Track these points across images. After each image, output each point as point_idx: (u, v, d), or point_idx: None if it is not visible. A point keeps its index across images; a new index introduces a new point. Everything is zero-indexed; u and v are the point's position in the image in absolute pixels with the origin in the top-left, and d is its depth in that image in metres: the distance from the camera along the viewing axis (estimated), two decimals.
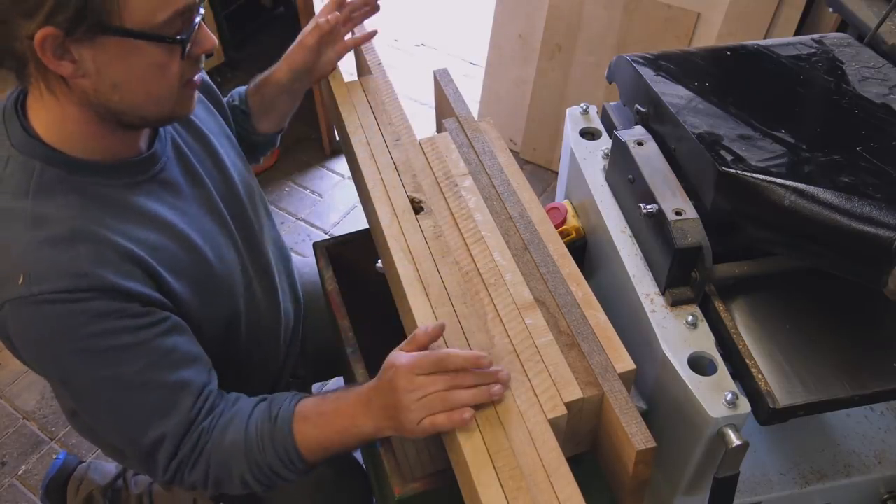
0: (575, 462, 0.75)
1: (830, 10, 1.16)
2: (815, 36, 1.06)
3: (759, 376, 0.80)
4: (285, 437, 0.83)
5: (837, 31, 1.47)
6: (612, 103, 1.12)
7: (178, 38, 0.75)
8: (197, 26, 0.77)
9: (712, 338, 0.84)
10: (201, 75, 0.90)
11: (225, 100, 1.12)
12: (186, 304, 0.86)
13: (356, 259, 1.20)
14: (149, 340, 0.80)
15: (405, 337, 0.91)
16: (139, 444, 0.83)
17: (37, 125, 0.79)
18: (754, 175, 0.80)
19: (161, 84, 0.78)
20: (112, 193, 0.82)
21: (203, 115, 1.00)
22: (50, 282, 0.74)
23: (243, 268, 0.99)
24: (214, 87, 1.06)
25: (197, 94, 0.87)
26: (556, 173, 1.81)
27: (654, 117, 0.96)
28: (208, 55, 0.82)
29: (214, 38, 0.81)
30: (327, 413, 0.83)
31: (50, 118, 0.79)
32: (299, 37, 1.09)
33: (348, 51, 1.13)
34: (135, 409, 0.82)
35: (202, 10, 0.78)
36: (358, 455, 1.41)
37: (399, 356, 0.78)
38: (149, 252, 0.81)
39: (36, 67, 0.73)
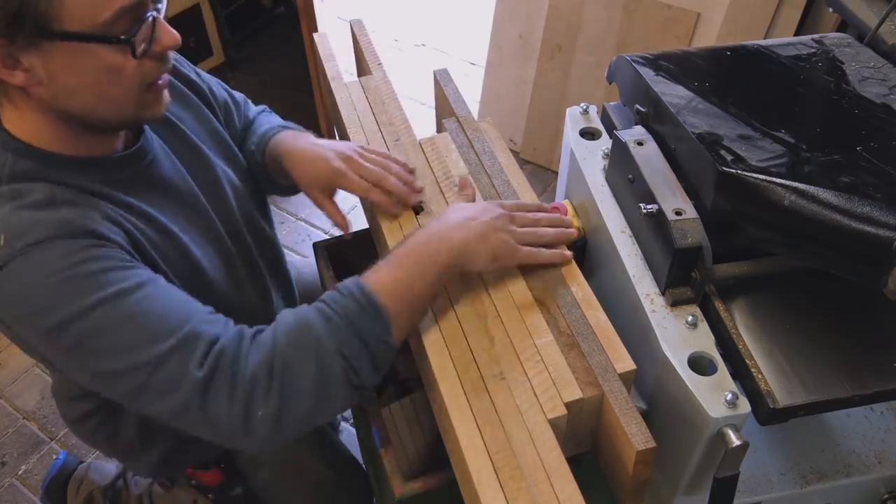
0: (575, 462, 0.75)
1: (830, 10, 1.16)
2: (815, 36, 1.06)
3: (759, 376, 0.80)
4: (358, 284, 0.77)
5: (837, 31, 1.46)
6: (612, 103, 1.12)
7: (123, 37, 0.71)
8: (152, 22, 0.74)
9: (712, 338, 0.84)
10: (169, 78, 0.85)
11: (248, 144, 1.08)
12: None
13: (356, 259, 1.20)
14: (144, 272, 0.77)
15: None
16: (160, 360, 0.72)
17: (8, 123, 0.79)
18: (754, 175, 0.80)
19: (117, 87, 0.75)
20: (89, 186, 0.80)
21: (187, 118, 0.98)
22: (32, 234, 0.72)
23: (232, 269, 0.98)
24: (207, 89, 1.03)
25: (167, 100, 0.82)
26: (556, 173, 1.81)
27: (654, 117, 0.96)
28: (172, 51, 0.78)
29: (176, 34, 0.77)
30: (395, 257, 0.80)
31: (20, 122, 0.78)
32: (336, 175, 0.95)
33: None
34: (146, 320, 0.73)
35: (161, 6, 0.75)
36: (358, 455, 1.41)
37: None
38: (134, 228, 0.80)
39: None
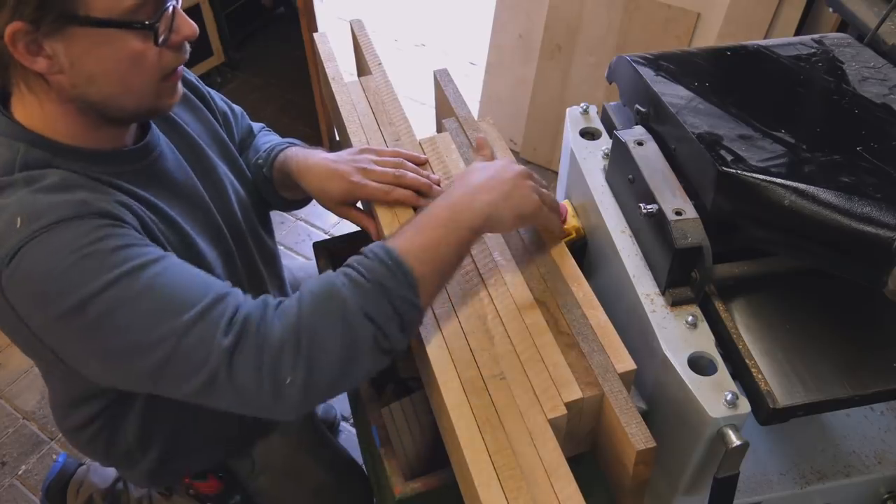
0: (575, 462, 0.75)
1: (830, 10, 1.16)
2: (815, 36, 1.06)
3: (759, 376, 0.80)
4: (385, 248, 0.76)
5: (837, 31, 1.47)
6: (612, 103, 1.12)
7: (147, 23, 0.73)
8: (172, 12, 0.75)
9: (712, 338, 0.84)
10: (183, 70, 0.86)
11: (253, 159, 1.08)
12: None
13: None
14: (161, 250, 0.77)
15: None
16: (183, 332, 0.71)
17: (19, 116, 0.79)
18: (754, 175, 0.80)
19: (138, 75, 0.76)
20: (98, 176, 0.80)
21: (191, 120, 0.99)
22: (49, 215, 0.72)
23: (233, 268, 0.99)
24: (208, 95, 1.04)
25: (181, 90, 0.84)
26: (556, 173, 1.81)
27: (654, 117, 0.96)
28: (190, 43, 0.80)
29: (194, 25, 0.78)
30: (419, 221, 0.79)
31: (34, 113, 0.78)
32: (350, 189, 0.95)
33: None
34: (167, 293, 0.72)
35: None
36: (358, 456, 1.41)
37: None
38: (144, 215, 0.81)
39: (14, 67, 0.73)
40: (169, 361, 0.72)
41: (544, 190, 0.88)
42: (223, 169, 1.00)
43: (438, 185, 0.96)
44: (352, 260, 0.77)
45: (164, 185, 0.88)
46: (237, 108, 1.14)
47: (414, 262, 0.75)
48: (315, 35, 1.21)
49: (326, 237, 1.71)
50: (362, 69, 1.18)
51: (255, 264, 1.05)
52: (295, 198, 1.10)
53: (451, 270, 0.80)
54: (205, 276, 0.78)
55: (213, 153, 0.99)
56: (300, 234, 2.19)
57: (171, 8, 0.75)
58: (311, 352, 0.71)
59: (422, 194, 0.94)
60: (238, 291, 0.77)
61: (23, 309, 0.74)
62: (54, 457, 1.48)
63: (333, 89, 1.11)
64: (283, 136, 1.21)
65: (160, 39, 0.75)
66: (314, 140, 2.43)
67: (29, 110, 0.79)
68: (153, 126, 0.90)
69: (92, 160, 0.81)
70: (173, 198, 0.89)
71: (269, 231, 1.14)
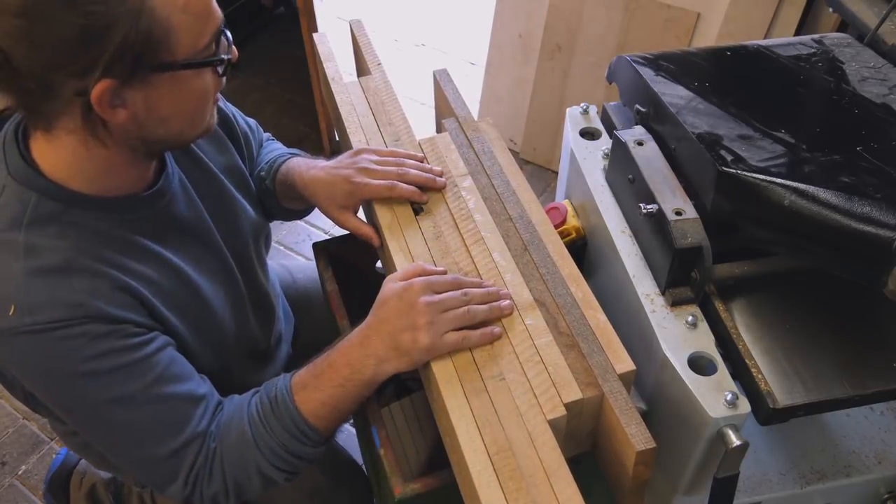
0: (575, 462, 0.75)
1: (830, 10, 1.16)
2: (815, 36, 1.06)
3: (759, 376, 0.80)
4: (289, 409, 0.83)
5: (837, 31, 1.47)
6: (612, 103, 1.12)
7: (224, 57, 0.76)
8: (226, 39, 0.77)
9: (712, 338, 0.84)
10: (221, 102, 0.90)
11: (256, 171, 1.09)
12: (179, 333, 0.86)
13: (356, 259, 1.20)
14: (148, 356, 0.79)
15: None
16: (157, 462, 0.82)
17: (38, 156, 0.78)
18: (754, 175, 0.80)
19: (204, 107, 0.79)
20: (109, 230, 0.80)
21: (211, 151, 0.99)
22: (44, 312, 0.73)
23: (239, 302, 0.99)
24: (232, 117, 1.04)
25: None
26: (556, 173, 1.81)
27: (654, 117, 0.96)
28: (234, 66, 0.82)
29: (234, 48, 0.80)
30: (322, 372, 0.83)
31: (56, 157, 0.77)
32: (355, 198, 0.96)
33: None
34: (147, 427, 0.81)
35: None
36: (358, 456, 1.41)
37: (405, 281, 0.81)
38: (143, 284, 0.81)
39: (83, 118, 0.72)
40: (136, 473, 0.91)
41: (455, 313, 0.79)
42: (239, 199, 1.01)
43: (441, 177, 0.96)
44: (261, 408, 0.84)
45: (174, 230, 0.88)
46: (251, 121, 1.14)
47: (317, 422, 0.84)
48: (315, 35, 1.21)
49: (326, 237, 1.71)
50: (362, 69, 1.18)
51: (257, 280, 1.06)
52: (297, 208, 1.11)
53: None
54: (185, 397, 0.83)
55: (231, 184, 1.00)
56: (300, 234, 2.19)
57: (227, 35, 0.76)
58: (237, 496, 0.87)
59: (424, 190, 0.95)
60: (203, 427, 0.83)
61: (16, 374, 0.81)
62: (54, 456, 1.48)
63: (333, 89, 1.11)
64: (283, 136, 1.22)
65: (222, 69, 0.77)
66: (314, 140, 2.43)
67: (52, 154, 0.77)
68: (168, 165, 0.89)
69: (105, 209, 0.80)
70: (182, 241, 0.89)
71: (268, 244, 1.15)
